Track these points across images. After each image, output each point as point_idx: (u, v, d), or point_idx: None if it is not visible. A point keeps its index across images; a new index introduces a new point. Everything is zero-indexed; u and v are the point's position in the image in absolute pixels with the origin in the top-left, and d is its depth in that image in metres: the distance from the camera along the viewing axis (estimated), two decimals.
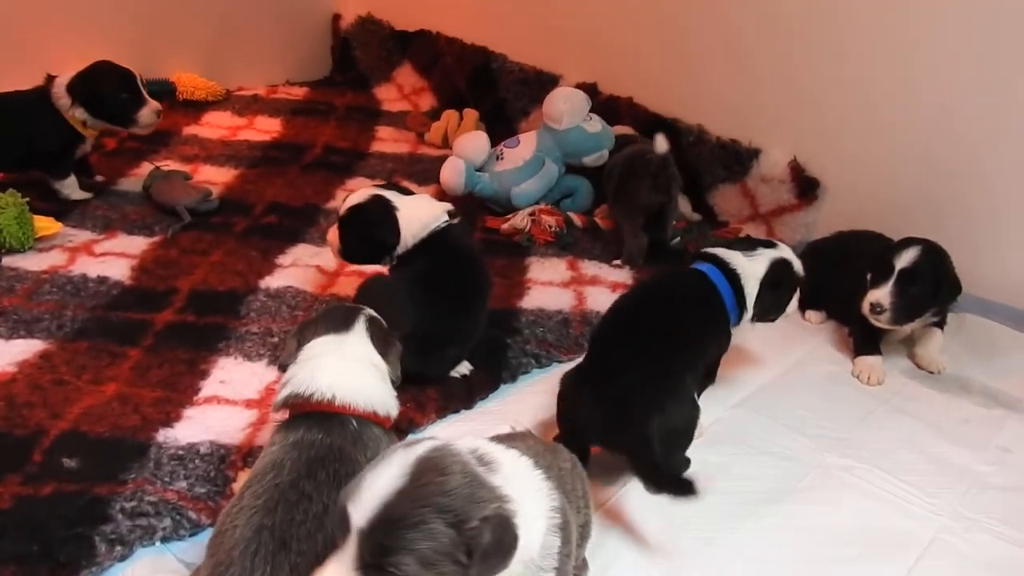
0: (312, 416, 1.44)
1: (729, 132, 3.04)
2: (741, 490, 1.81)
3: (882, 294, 2.20)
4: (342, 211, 2.17)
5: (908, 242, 2.24)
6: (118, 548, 1.51)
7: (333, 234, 2.20)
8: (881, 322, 2.23)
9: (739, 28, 3.01)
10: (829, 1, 2.77)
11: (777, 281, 1.94)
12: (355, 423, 1.45)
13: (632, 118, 3.23)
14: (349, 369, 1.49)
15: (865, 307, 2.22)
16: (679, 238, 2.81)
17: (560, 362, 2.20)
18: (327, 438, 1.40)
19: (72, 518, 1.54)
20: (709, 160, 3.07)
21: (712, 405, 2.08)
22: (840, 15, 2.76)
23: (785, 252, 1.99)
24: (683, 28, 3.16)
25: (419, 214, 2.12)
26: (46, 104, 2.68)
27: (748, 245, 1.98)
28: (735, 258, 1.93)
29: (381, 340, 1.56)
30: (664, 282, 2.03)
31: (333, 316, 1.57)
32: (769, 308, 1.97)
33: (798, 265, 2.01)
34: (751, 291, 1.91)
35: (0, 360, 1.96)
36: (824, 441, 2.00)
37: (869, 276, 2.26)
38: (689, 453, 1.88)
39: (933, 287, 2.21)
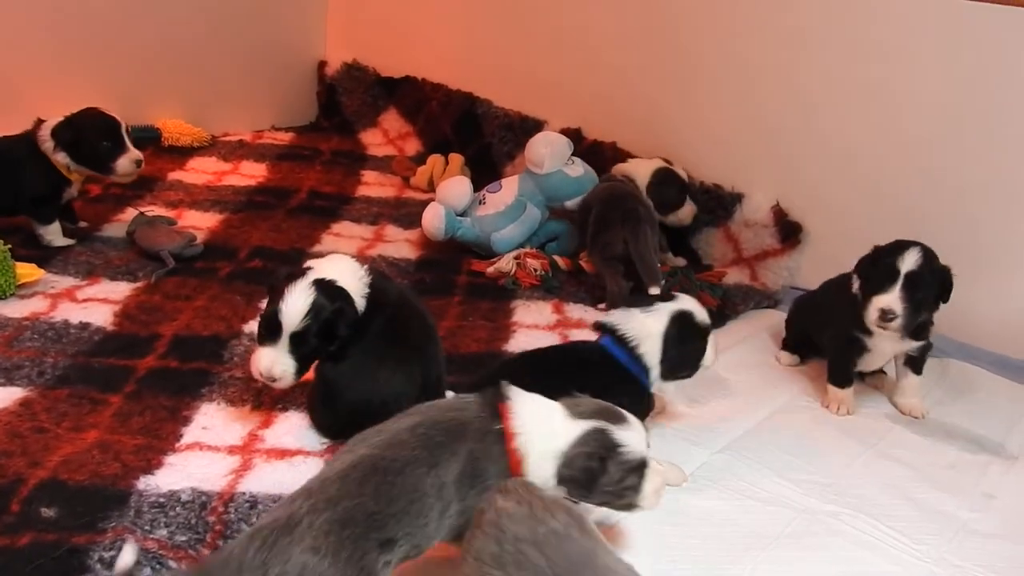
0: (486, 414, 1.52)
1: (712, 177, 3.09)
2: (726, 535, 1.80)
3: (892, 299, 2.09)
4: (293, 317, 1.84)
5: (906, 245, 2.15)
6: None
7: (275, 363, 1.86)
8: (891, 329, 2.12)
9: (722, 74, 3.07)
10: (811, 49, 2.84)
11: (681, 336, 1.91)
12: (497, 441, 1.49)
13: (616, 163, 3.27)
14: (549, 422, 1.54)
15: (872, 315, 2.11)
16: (661, 282, 2.83)
17: None
18: (470, 422, 1.50)
19: (50, 569, 1.51)
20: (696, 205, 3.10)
21: (696, 450, 2.08)
22: (822, 62, 2.83)
23: (687, 304, 1.96)
24: (665, 74, 3.22)
25: (346, 271, 1.95)
26: (33, 148, 2.70)
27: (648, 300, 1.97)
28: (630, 320, 1.91)
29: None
30: (566, 356, 2.02)
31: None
32: (678, 364, 1.93)
33: (702, 315, 1.96)
34: (650, 349, 1.90)
35: None
36: (810, 486, 1.99)
37: (861, 281, 2.18)
38: (675, 497, 1.87)
39: (935, 291, 2.15)
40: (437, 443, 1.46)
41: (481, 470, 1.48)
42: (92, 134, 2.73)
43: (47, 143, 2.69)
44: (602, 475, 1.52)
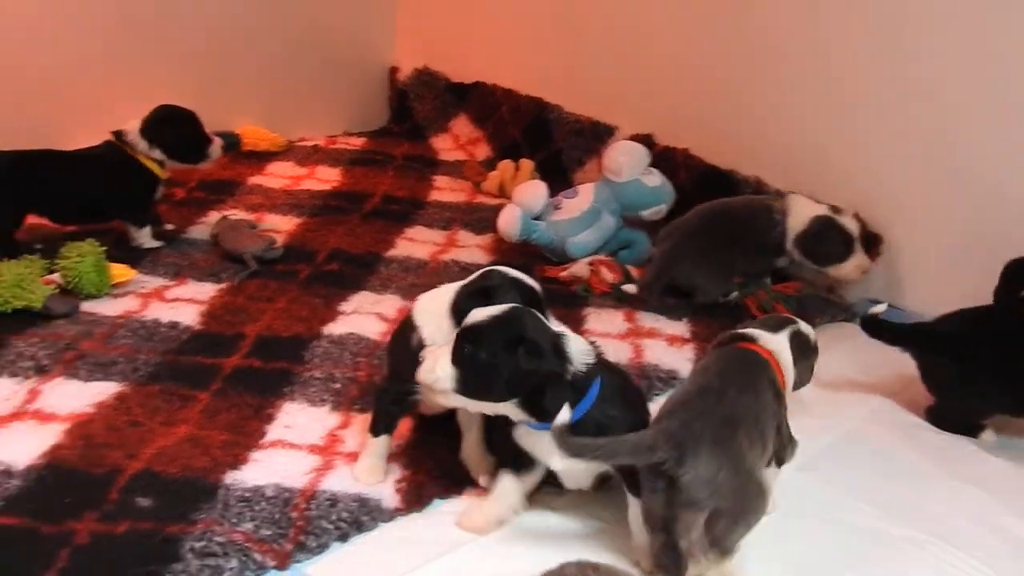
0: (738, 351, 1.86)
1: (789, 185, 3.00)
2: (797, 560, 1.76)
3: None
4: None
5: None
6: None
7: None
8: None
9: (800, 78, 3.02)
10: (893, 53, 2.77)
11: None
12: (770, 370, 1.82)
13: (688, 169, 3.26)
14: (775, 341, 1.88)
15: None
16: (735, 293, 2.80)
17: None
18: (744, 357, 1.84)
19: (145, 555, 1.59)
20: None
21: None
22: (909, 66, 2.74)
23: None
24: (741, 78, 3.18)
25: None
26: (122, 154, 2.82)
27: None
28: None
29: (797, 349, 1.90)
30: None
31: (768, 321, 2.00)
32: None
33: None
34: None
35: (79, 401, 2.04)
36: (888, 510, 1.93)
37: None
38: None
39: None
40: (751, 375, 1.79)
41: (778, 391, 1.80)
42: (185, 128, 2.88)
43: (140, 144, 2.81)
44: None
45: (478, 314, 1.66)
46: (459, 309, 1.80)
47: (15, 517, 1.66)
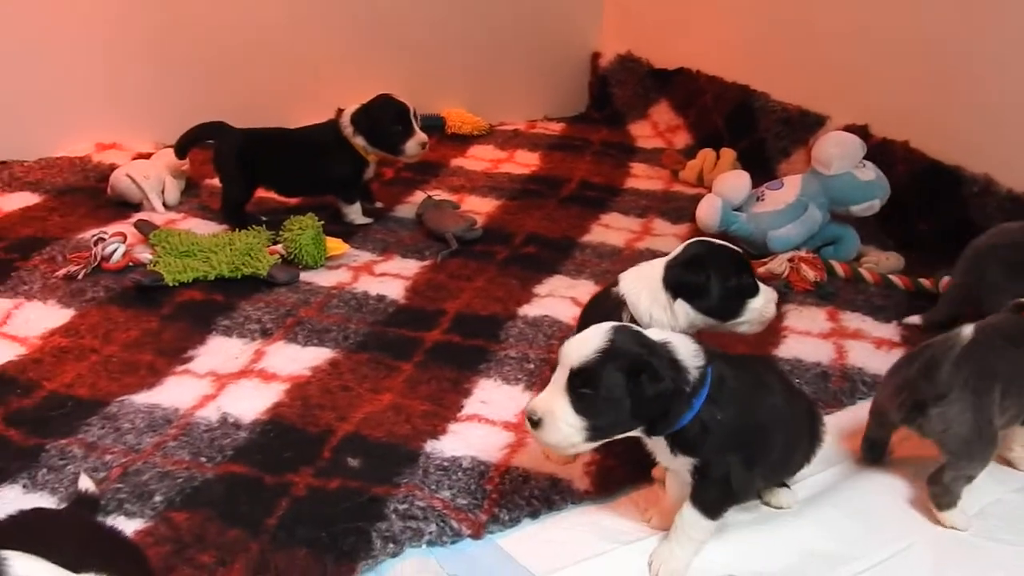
0: None
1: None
2: None
3: None
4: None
5: None
6: (391, 546, 1.63)
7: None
8: None
9: None
10: None
11: None
12: None
13: (907, 163, 3.04)
14: None
15: None
16: None
17: None
18: None
19: (354, 512, 1.70)
20: (995, 215, 2.79)
21: (992, 485, 1.88)
22: None
23: None
24: (970, 65, 2.92)
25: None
26: (337, 135, 2.99)
27: None
28: None
29: None
30: None
31: None
32: None
33: None
34: None
35: (298, 364, 2.21)
36: None
37: None
38: (959, 537, 1.74)
39: None
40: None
41: None
42: (385, 119, 2.95)
43: (347, 128, 2.96)
44: None
45: (580, 350, 1.52)
46: (674, 282, 1.88)
47: (244, 466, 1.82)
